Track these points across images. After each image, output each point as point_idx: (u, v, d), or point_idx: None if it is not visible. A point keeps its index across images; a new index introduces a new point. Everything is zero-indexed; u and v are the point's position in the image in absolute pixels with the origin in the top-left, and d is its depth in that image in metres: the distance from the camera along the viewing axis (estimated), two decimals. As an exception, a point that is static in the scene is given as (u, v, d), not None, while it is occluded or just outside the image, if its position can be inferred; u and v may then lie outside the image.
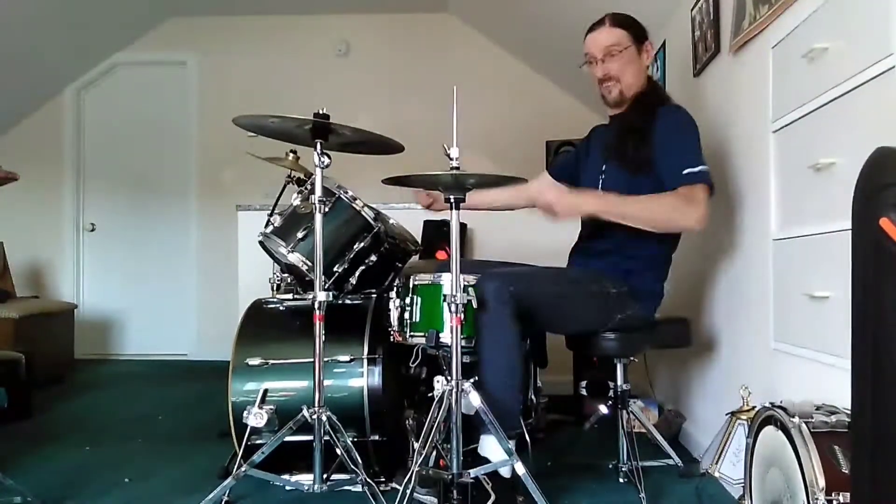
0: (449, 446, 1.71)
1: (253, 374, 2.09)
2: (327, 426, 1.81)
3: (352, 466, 1.81)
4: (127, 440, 2.75)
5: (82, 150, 5.26)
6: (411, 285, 1.97)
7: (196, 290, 5.14)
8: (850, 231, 0.93)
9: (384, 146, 1.96)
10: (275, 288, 2.69)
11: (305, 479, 1.89)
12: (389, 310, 2.01)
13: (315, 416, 1.81)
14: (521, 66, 4.98)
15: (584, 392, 2.82)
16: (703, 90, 2.57)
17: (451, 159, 1.69)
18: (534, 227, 3.15)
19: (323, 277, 1.88)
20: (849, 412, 1.19)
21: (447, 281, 1.87)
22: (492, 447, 1.76)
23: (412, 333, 1.95)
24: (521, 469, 1.67)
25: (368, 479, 1.81)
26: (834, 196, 1.49)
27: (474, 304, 1.72)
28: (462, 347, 1.73)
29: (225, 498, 1.88)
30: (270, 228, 2.16)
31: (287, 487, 2.04)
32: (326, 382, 1.94)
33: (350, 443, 1.84)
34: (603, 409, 2.20)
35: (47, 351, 3.98)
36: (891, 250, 0.83)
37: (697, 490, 2.05)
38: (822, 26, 1.54)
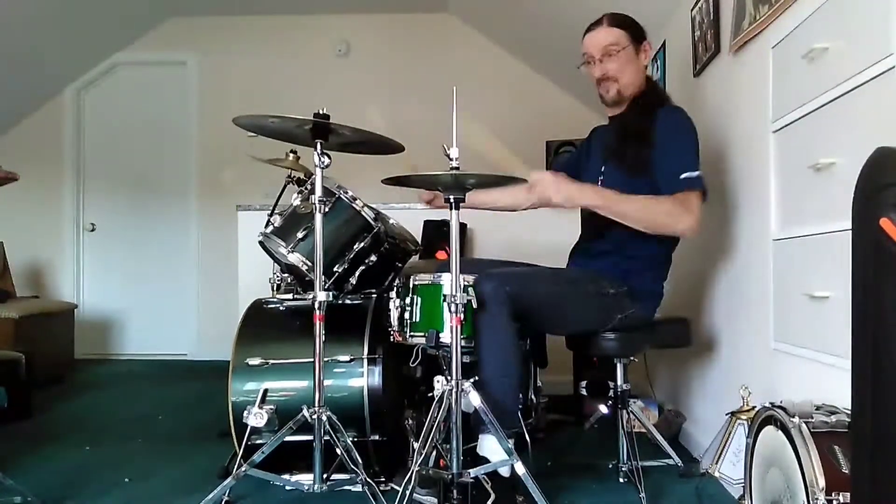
0: (449, 446, 1.71)
1: (253, 374, 2.09)
2: (327, 426, 1.81)
3: (352, 466, 1.81)
4: (127, 440, 2.75)
5: (82, 150, 5.26)
6: (411, 285, 1.97)
7: (196, 290, 5.14)
8: (850, 231, 0.93)
9: (384, 146, 1.96)
10: (275, 288, 2.69)
11: (305, 479, 1.89)
12: (389, 310, 2.01)
13: (315, 416, 1.81)
14: (521, 66, 4.98)
15: (584, 392, 2.82)
16: (703, 90, 2.57)
17: (451, 159, 1.69)
18: (534, 227, 3.16)
19: (323, 277, 1.87)
20: (849, 412, 1.19)
21: (447, 281, 1.87)
22: (491, 447, 1.76)
23: (412, 333, 1.95)
24: (520, 469, 1.67)
25: (368, 479, 1.81)
26: (834, 196, 1.48)
27: (474, 304, 1.72)
28: (462, 347, 1.73)
29: (225, 498, 1.88)
30: (270, 228, 2.16)
31: (287, 487, 2.04)
32: (326, 382, 1.94)
33: (350, 443, 1.84)
34: (603, 409, 2.20)
35: (47, 351, 3.98)
36: (891, 250, 0.83)
37: (697, 490, 2.05)
38: (822, 26, 1.54)
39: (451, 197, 1.72)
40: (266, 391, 2.01)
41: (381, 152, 2.03)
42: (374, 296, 2.28)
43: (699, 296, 2.52)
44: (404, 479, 1.71)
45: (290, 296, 2.37)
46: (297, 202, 2.16)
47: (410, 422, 2.14)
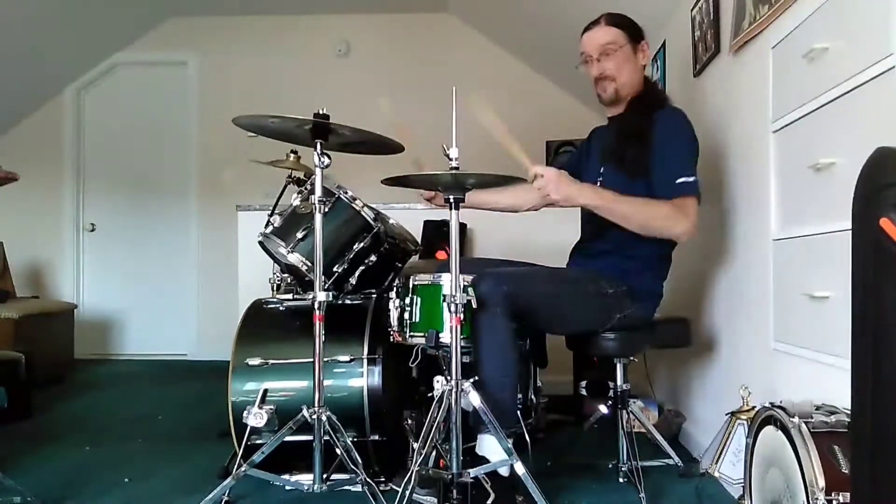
0: (448, 446, 1.71)
1: (253, 374, 2.09)
2: (327, 426, 1.81)
3: (352, 466, 1.81)
4: (127, 440, 2.75)
5: (82, 150, 5.26)
6: (411, 285, 1.97)
7: (196, 290, 5.14)
8: (850, 231, 0.93)
9: (384, 146, 1.96)
10: (275, 288, 2.69)
11: (305, 479, 1.89)
12: (389, 310, 2.01)
13: (315, 416, 1.81)
14: (521, 66, 4.98)
15: (584, 392, 2.82)
16: (703, 90, 2.57)
17: (451, 159, 1.68)
18: (534, 227, 3.16)
19: (323, 277, 1.87)
20: (849, 412, 1.19)
21: (447, 281, 1.87)
22: (490, 446, 1.76)
23: (412, 333, 1.95)
24: (520, 469, 1.67)
25: (368, 479, 1.81)
26: (834, 196, 1.48)
27: (474, 305, 1.72)
28: (462, 347, 1.73)
29: (225, 498, 1.88)
30: (270, 228, 2.16)
31: (287, 487, 2.03)
32: (326, 382, 1.94)
33: (350, 443, 1.84)
34: (603, 409, 2.20)
35: (47, 351, 3.98)
36: (891, 250, 0.83)
37: (697, 490, 2.05)
38: (822, 26, 1.54)
39: (451, 197, 1.72)
40: (266, 391, 2.00)
41: (381, 152, 2.03)
42: (374, 296, 2.29)
43: (699, 296, 2.52)
44: (404, 479, 1.71)
45: (290, 296, 2.37)
46: (296, 202, 2.16)
47: (410, 422, 2.14)
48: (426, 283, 1.96)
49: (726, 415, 1.94)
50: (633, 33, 2.08)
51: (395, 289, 2.03)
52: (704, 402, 2.52)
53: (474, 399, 1.69)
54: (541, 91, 4.92)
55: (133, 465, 2.36)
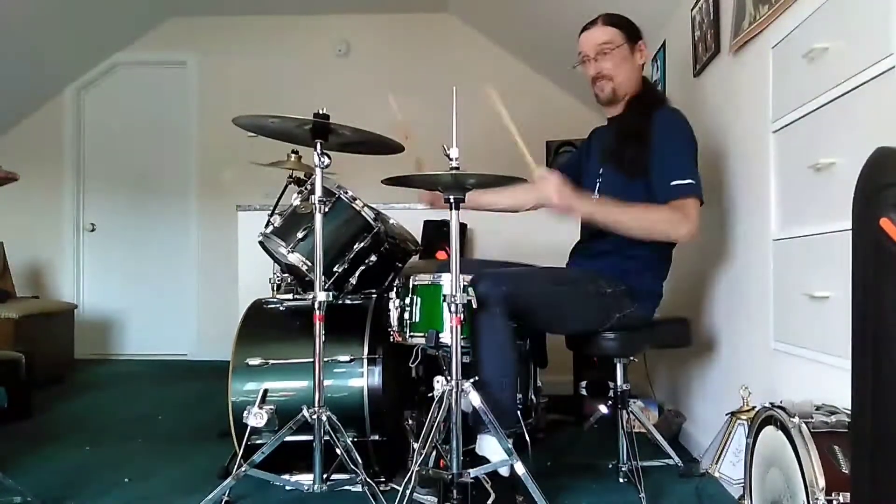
0: (449, 446, 1.71)
1: (253, 374, 2.09)
2: (327, 426, 1.81)
3: (352, 466, 1.81)
4: (127, 440, 2.75)
5: (82, 150, 5.26)
6: (411, 285, 1.97)
7: (196, 290, 5.14)
8: (850, 231, 0.93)
9: (384, 146, 1.96)
10: (275, 288, 2.69)
11: (305, 479, 1.89)
12: (389, 310, 2.01)
13: (315, 416, 1.81)
14: (521, 66, 4.98)
15: (584, 392, 2.82)
16: (703, 90, 2.57)
17: (451, 159, 1.69)
18: (534, 228, 3.15)
19: (323, 277, 1.87)
20: (849, 412, 1.19)
21: (447, 281, 1.87)
22: (490, 447, 1.76)
23: (412, 333, 1.95)
24: (520, 469, 1.67)
25: (368, 479, 1.81)
26: (834, 196, 1.48)
27: (474, 305, 1.72)
28: (462, 347, 1.73)
29: (225, 498, 1.88)
30: (270, 228, 2.16)
31: (287, 487, 2.03)
32: (326, 382, 1.94)
33: (350, 443, 1.84)
34: (603, 409, 2.20)
35: (47, 351, 3.98)
36: (891, 250, 0.83)
37: (697, 490, 2.05)
38: (822, 26, 1.54)
39: (451, 197, 1.72)
40: (266, 391, 2.00)
41: (381, 152, 2.03)
42: (374, 296, 2.28)
43: (699, 296, 2.52)
44: (404, 479, 1.71)
45: (290, 296, 2.37)
46: (297, 202, 2.16)
47: (410, 422, 2.14)
48: (426, 283, 1.96)
49: (726, 415, 1.94)
50: (631, 33, 2.08)
51: (395, 289, 2.03)
52: (704, 402, 2.52)
53: (474, 399, 1.69)
54: (541, 91, 4.92)
55: (133, 465, 2.36)
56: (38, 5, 4.15)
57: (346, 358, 2.08)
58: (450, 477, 1.68)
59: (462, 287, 1.73)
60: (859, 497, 0.94)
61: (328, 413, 1.83)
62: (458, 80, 1.90)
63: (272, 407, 1.91)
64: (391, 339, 2.04)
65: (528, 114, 4.80)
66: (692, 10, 2.58)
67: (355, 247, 2.13)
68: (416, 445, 1.86)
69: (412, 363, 2.08)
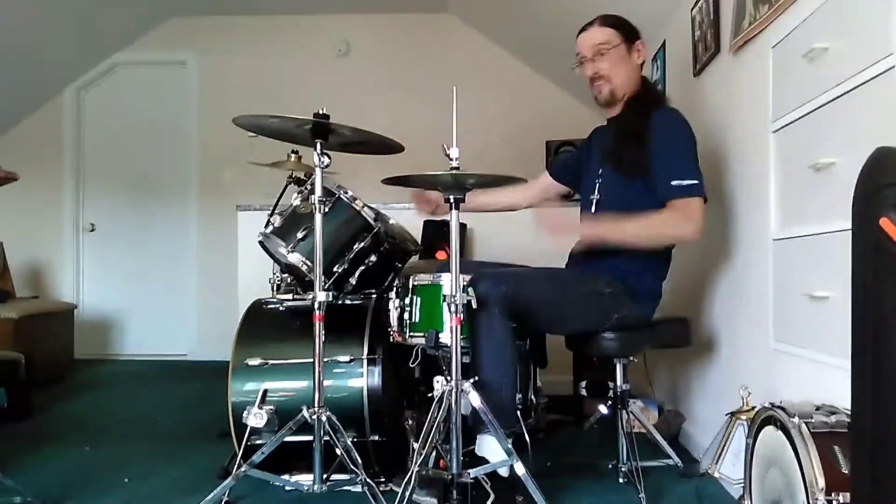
0: (448, 447, 1.71)
1: (253, 374, 2.09)
2: (327, 426, 1.81)
3: (352, 467, 1.81)
4: (127, 440, 2.76)
5: (82, 150, 5.26)
6: (411, 285, 1.97)
7: (196, 290, 5.14)
8: (850, 231, 0.93)
9: (384, 146, 1.96)
10: (275, 288, 2.69)
11: (305, 479, 1.89)
12: (389, 310, 2.01)
13: (315, 417, 1.81)
14: (521, 66, 4.98)
15: (583, 392, 2.82)
16: (703, 90, 2.57)
17: (451, 159, 1.68)
18: (534, 228, 3.15)
19: (323, 277, 1.87)
20: (849, 412, 1.19)
21: (447, 281, 1.87)
22: (490, 447, 1.76)
23: (412, 333, 1.95)
24: (520, 469, 1.67)
25: (368, 480, 1.81)
26: (834, 196, 1.48)
27: (474, 305, 1.72)
28: (462, 348, 1.73)
29: (225, 498, 1.88)
30: (270, 228, 2.16)
31: (287, 487, 2.03)
32: (326, 383, 1.94)
33: (350, 443, 1.84)
34: (603, 409, 2.20)
35: (47, 351, 3.98)
36: (891, 250, 0.83)
37: (697, 490, 2.05)
38: (822, 26, 1.54)
39: (451, 197, 1.72)
40: (266, 391, 2.00)
41: (381, 152, 2.03)
42: (374, 296, 2.28)
43: (699, 296, 2.52)
44: (404, 479, 1.71)
45: (289, 296, 2.37)
46: (296, 202, 2.16)
47: (410, 422, 2.14)
48: (426, 283, 1.96)
49: (726, 415, 1.94)
50: (628, 33, 2.09)
51: (395, 289, 2.03)
52: (704, 402, 2.52)
53: (474, 399, 1.69)
54: (541, 91, 4.92)
55: (133, 465, 2.36)
56: (38, 5, 4.15)
57: (346, 358, 2.08)
58: (449, 477, 1.68)
59: (462, 287, 1.73)
60: (859, 497, 0.94)
61: (328, 413, 1.82)
62: (458, 80, 1.90)
63: (272, 407, 1.91)
64: (391, 340, 2.04)
65: (528, 114, 4.86)
66: (692, 9, 2.58)
67: (355, 247, 2.13)
68: (415, 446, 1.85)
69: (412, 363, 2.07)
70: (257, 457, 1.82)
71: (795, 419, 1.26)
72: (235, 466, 1.84)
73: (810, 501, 1.16)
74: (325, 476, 1.84)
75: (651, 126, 1.97)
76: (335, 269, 2.10)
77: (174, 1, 4.93)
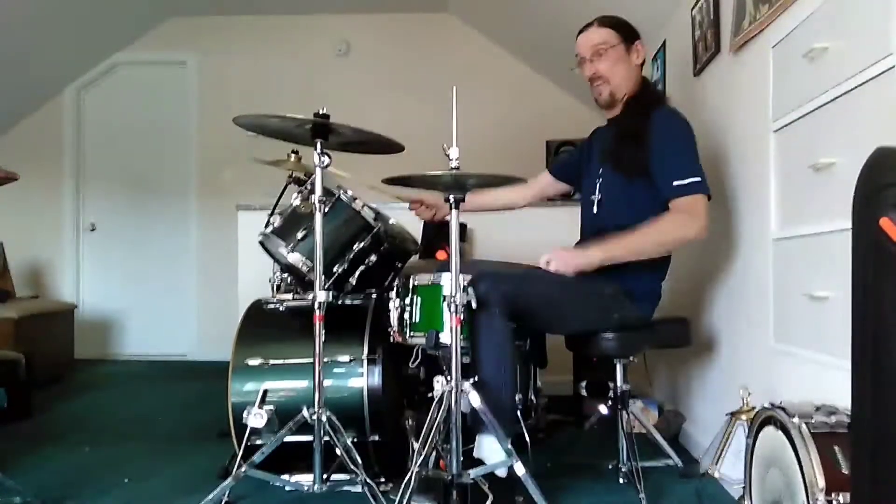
0: (448, 447, 1.70)
1: (253, 374, 2.09)
2: (327, 426, 1.81)
3: (352, 467, 1.81)
4: (127, 440, 2.76)
5: (82, 150, 5.26)
6: (411, 285, 1.97)
7: (196, 290, 5.14)
8: (850, 231, 0.93)
9: (384, 146, 1.96)
10: (275, 288, 2.68)
11: (305, 479, 1.89)
12: (389, 310, 2.01)
13: (315, 417, 1.81)
14: (521, 66, 4.98)
15: (583, 392, 2.81)
16: (703, 90, 2.57)
17: (451, 159, 1.68)
18: (535, 228, 3.16)
19: (323, 277, 1.87)
20: (849, 412, 1.19)
21: (447, 281, 1.87)
22: (489, 447, 1.75)
23: (412, 334, 1.94)
24: (520, 470, 1.67)
25: (368, 480, 1.81)
26: (834, 196, 1.48)
27: (474, 305, 1.72)
28: (462, 348, 1.73)
29: (225, 498, 1.88)
30: (270, 228, 2.16)
31: (287, 488, 2.03)
32: (326, 383, 1.94)
33: (350, 443, 1.84)
34: (603, 409, 2.20)
35: (47, 351, 3.98)
36: (891, 250, 0.83)
37: (697, 490, 2.04)
38: (822, 26, 1.54)
39: (452, 197, 1.72)
40: (266, 392, 2.00)
41: (381, 152, 2.03)
42: (374, 296, 2.28)
43: (699, 296, 2.52)
44: (404, 479, 1.71)
45: (290, 296, 2.36)
46: (296, 202, 2.16)
47: (410, 422, 2.13)
48: (426, 283, 1.96)
49: (726, 415, 1.94)
50: (626, 33, 2.09)
51: (395, 289, 2.02)
52: (704, 402, 2.52)
53: (473, 399, 1.69)
54: (541, 91, 4.92)
55: (133, 465, 2.36)
56: (37, 5, 4.15)
57: (346, 358, 2.08)
58: (449, 478, 1.68)
59: (462, 287, 1.72)
60: (859, 497, 0.94)
61: (328, 413, 1.82)
62: (458, 80, 1.89)
63: (272, 407, 1.91)
64: (391, 340, 2.03)
65: (528, 114, 4.86)
66: (692, 9, 2.58)
67: (355, 247, 2.13)
68: (415, 446, 1.85)
69: (412, 363, 2.07)
70: (257, 457, 1.82)
71: (795, 419, 1.27)
72: (235, 466, 1.84)
73: (810, 502, 1.16)
74: (325, 476, 1.84)
75: (650, 126, 1.97)
76: (335, 269, 2.10)
77: (174, 1, 4.93)
